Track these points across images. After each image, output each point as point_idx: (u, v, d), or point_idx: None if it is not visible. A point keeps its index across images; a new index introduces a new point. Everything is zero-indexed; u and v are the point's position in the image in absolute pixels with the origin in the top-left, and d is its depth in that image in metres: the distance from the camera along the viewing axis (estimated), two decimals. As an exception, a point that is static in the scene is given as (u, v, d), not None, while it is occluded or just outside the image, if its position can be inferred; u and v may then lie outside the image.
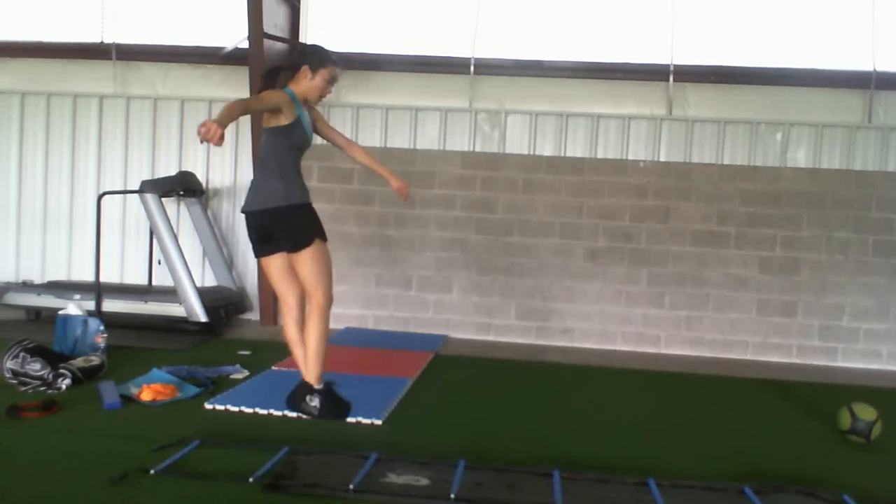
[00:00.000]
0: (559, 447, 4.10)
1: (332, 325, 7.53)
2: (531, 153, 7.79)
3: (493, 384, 5.60)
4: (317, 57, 3.84)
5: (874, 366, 7.24)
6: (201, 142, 3.25)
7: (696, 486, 3.52)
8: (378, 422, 4.30)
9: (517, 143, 7.86)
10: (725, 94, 7.68)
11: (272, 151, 3.82)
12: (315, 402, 4.11)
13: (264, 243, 4.04)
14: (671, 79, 7.64)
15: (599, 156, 7.73)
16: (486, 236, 7.61)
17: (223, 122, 3.31)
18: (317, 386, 4.17)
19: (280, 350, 6.09)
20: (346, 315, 7.71)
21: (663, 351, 7.40)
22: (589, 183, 7.52)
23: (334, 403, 4.20)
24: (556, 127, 7.83)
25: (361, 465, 3.51)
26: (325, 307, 4.07)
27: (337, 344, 6.74)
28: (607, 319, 7.48)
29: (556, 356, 6.95)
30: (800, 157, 7.61)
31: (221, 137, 3.21)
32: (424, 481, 3.40)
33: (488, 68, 7.89)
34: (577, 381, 5.91)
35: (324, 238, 4.06)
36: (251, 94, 7.14)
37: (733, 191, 7.39)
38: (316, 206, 7.65)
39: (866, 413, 4.38)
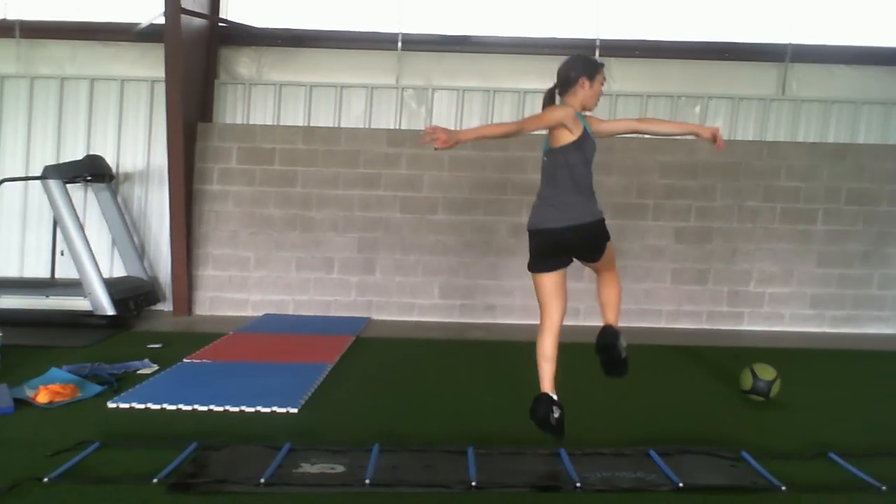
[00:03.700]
0: (476, 424, 4.13)
1: (250, 313, 7.52)
2: (458, 129, 7.72)
3: (413, 365, 5.59)
4: (591, 65, 3.66)
5: (777, 328, 7.59)
6: (428, 141, 3.31)
7: (605, 453, 3.62)
8: (294, 410, 4.23)
9: (444, 119, 7.79)
10: (649, 69, 7.81)
11: (565, 169, 3.60)
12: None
13: (553, 258, 3.83)
14: (597, 53, 7.70)
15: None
16: (411, 215, 7.56)
17: (464, 138, 3.45)
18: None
19: (193, 341, 5.95)
20: (264, 301, 7.56)
21: (582, 323, 7.51)
22: (514, 159, 7.54)
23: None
24: (484, 103, 7.81)
25: (274, 456, 3.44)
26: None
27: (254, 331, 6.62)
28: (529, 295, 7.47)
29: (480, 333, 6.99)
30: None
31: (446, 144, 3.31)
32: (340, 468, 3.36)
33: (415, 44, 7.78)
34: (498, 357, 5.95)
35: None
36: (168, 74, 6.81)
37: (653, 164, 7.55)
38: (235, 188, 7.60)
39: (766, 373, 4.59)
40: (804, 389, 5.00)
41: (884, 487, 3.22)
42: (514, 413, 4.37)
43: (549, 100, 3.68)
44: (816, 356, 6.31)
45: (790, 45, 7.67)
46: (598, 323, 7.35)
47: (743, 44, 7.75)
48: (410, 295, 7.61)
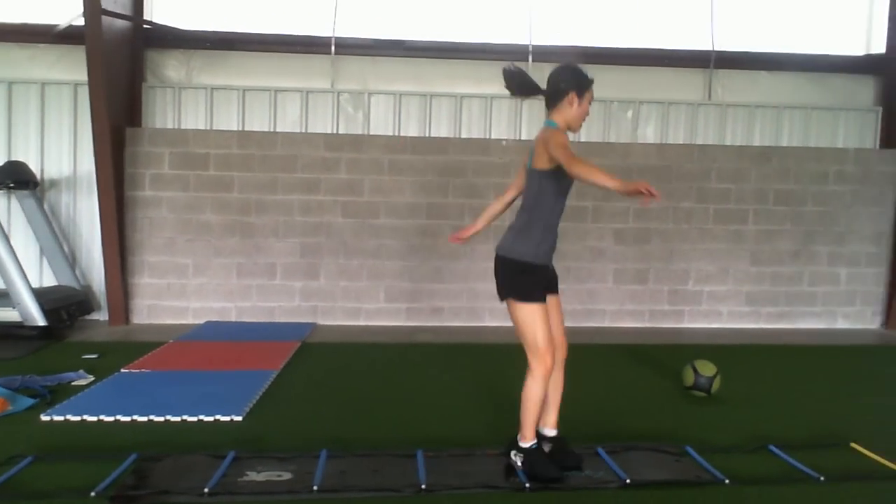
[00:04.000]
0: (426, 427, 4.11)
1: (191, 320, 7.31)
2: (396, 134, 7.73)
3: (360, 370, 5.53)
4: (582, 79, 3.25)
5: (716, 325, 7.86)
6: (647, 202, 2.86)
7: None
8: (238, 418, 4.13)
9: (381, 124, 7.78)
10: (580, 74, 7.96)
11: (536, 196, 3.24)
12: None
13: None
14: (530, 59, 7.82)
15: (464, 135, 7.80)
16: (353, 219, 7.49)
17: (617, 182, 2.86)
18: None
19: (131, 351, 5.75)
20: (205, 309, 7.36)
21: (530, 324, 7.63)
22: (454, 163, 7.57)
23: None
24: (420, 107, 7.81)
25: (218, 465, 3.35)
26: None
27: (195, 339, 6.43)
28: (475, 297, 7.61)
29: (427, 336, 6.99)
30: (648, 133, 8.05)
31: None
32: (287, 476, 3.30)
33: (350, 48, 7.72)
34: (445, 360, 5.95)
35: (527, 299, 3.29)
36: (91, 77, 6.55)
37: (589, 167, 7.69)
38: (169, 194, 7.38)
39: (707, 369, 4.74)
40: (743, 384, 5.19)
41: (822, 478, 3.36)
42: (463, 415, 4.39)
43: (525, 83, 3.29)
44: (754, 351, 6.56)
45: (713, 52, 7.97)
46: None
47: (670, 50, 8.00)
48: (356, 299, 7.54)
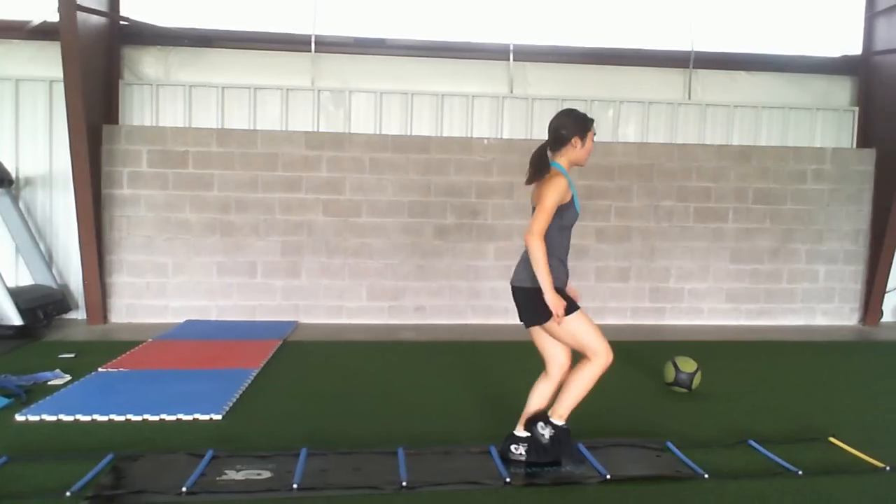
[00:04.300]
0: (407, 425, 4.09)
1: (170, 319, 7.24)
2: (377, 132, 7.70)
3: (342, 367, 5.50)
4: (582, 122, 3.38)
5: (697, 321, 7.92)
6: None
7: (536, 450, 3.64)
8: (217, 417, 4.08)
9: (363, 122, 7.74)
10: (562, 73, 7.99)
11: (546, 233, 3.31)
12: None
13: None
14: (511, 58, 7.83)
15: (445, 134, 7.79)
16: (334, 218, 7.45)
17: (553, 298, 3.22)
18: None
19: (109, 350, 5.68)
20: (185, 307, 7.29)
21: (512, 322, 7.61)
22: (436, 161, 7.56)
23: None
24: (402, 106, 7.78)
25: (197, 464, 3.30)
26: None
27: (174, 338, 6.36)
28: (457, 294, 7.60)
29: (409, 334, 6.97)
30: (629, 133, 8.09)
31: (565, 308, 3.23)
32: (266, 474, 3.26)
33: (330, 46, 7.68)
34: (427, 358, 5.94)
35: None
36: (66, 73, 6.46)
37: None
38: (147, 192, 7.29)
39: (687, 365, 4.76)
40: (724, 380, 5.23)
41: (800, 472, 3.38)
42: (445, 412, 4.37)
43: (541, 156, 3.40)
44: (734, 348, 6.61)
45: (693, 52, 8.03)
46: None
47: (651, 50, 8.06)
48: (338, 298, 7.50)
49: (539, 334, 3.52)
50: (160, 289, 7.29)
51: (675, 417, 4.32)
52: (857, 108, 8.30)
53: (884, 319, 8.35)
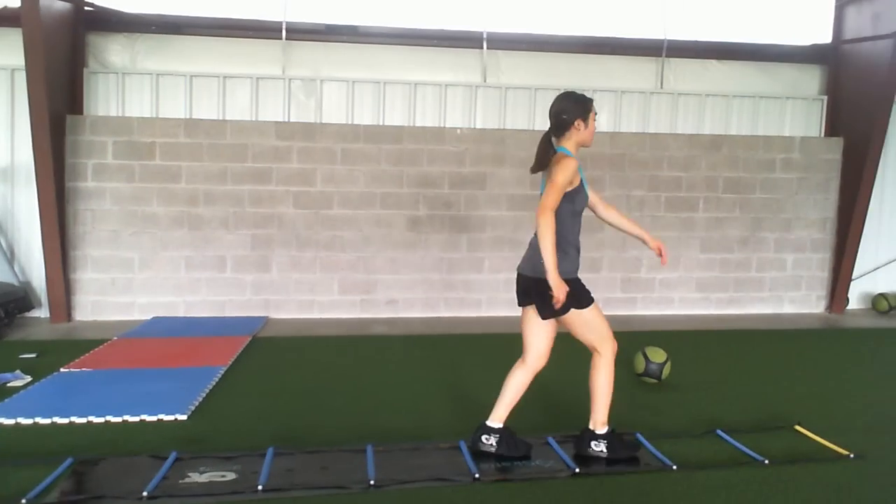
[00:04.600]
0: (377, 421, 4.06)
1: (137, 316, 7.10)
2: (349, 122, 7.59)
3: (313, 363, 5.44)
4: (582, 104, 3.37)
5: (668, 311, 7.98)
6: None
7: (505, 444, 3.63)
8: (182, 417, 4.00)
9: (334, 111, 7.63)
10: (535, 62, 7.94)
11: (558, 219, 3.27)
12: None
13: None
14: (485, 46, 7.76)
15: (418, 124, 7.71)
16: (305, 210, 7.35)
17: (556, 279, 3.16)
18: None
19: (73, 349, 5.55)
20: (153, 304, 7.15)
21: (485, 314, 7.63)
22: (408, 151, 7.48)
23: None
24: (374, 95, 7.68)
25: (159, 467, 3.23)
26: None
27: (140, 336, 6.24)
28: (430, 287, 7.56)
29: (382, 328, 6.92)
30: (602, 122, 8.05)
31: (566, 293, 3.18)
32: (231, 476, 3.21)
33: (301, 33, 7.54)
34: (399, 352, 5.90)
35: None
36: (28, 61, 6.26)
37: (543, 155, 7.68)
38: (113, 185, 7.12)
39: (657, 356, 4.79)
40: (694, 370, 5.26)
41: (766, 461, 3.41)
42: (416, 408, 4.34)
43: (546, 143, 3.39)
44: (704, 337, 6.66)
45: (665, 40, 8.03)
46: (501, 313, 7.59)
47: (623, 39, 8.04)
48: (309, 292, 7.42)
49: (530, 321, 3.47)
50: (126, 285, 7.15)
51: (645, 408, 4.34)
52: (825, 98, 8.37)
53: (850, 307, 8.48)
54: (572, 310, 3.32)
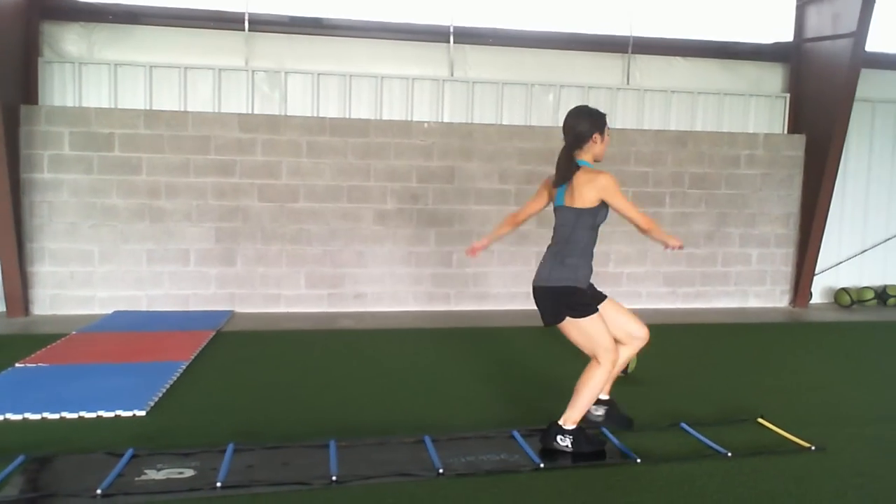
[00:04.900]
0: (341, 416, 4.00)
1: (97, 310, 6.93)
2: (315, 115, 7.49)
3: (276, 358, 5.35)
4: (599, 118, 3.49)
5: (636, 305, 8.00)
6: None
7: (470, 437, 3.62)
8: (141, 413, 3.90)
9: (299, 104, 7.52)
10: (503, 57, 7.92)
11: (573, 231, 3.45)
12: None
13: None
14: (452, 40, 7.72)
15: (385, 117, 7.64)
16: (270, 203, 7.24)
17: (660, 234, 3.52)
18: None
19: (29, 344, 5.39)
20: (114, 298, 6.99)
21: (454, 308, 7.61)
22: (375, 145, 7.41)
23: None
24: (340, 88, 7.59)
25: (115, 464, 3.14)
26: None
27: (100, 330, 6.09)
28: (398, 281, 7.51)
29: (349, 322, 6.85)
30: (569, 117, 8.08)
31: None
32: (189, 473, 3.12)
33: (265, 24, 7.42)
34: (366, 346, 5.84)
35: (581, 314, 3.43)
36: None
37: (512, 150, 7.69)
38: (71, 177, 6.94)
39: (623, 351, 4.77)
40: (660, 364, 5.28)
41: (729, 454, 3.43)
42: (381, 402, 4.29)
43: (568, 158, 3.46)
44: (671, 331, 6.71)
45: (631, 37, 8.08)
46: (470, 307, 7.58)
47: (590, 35, 8.07)
48: (275, 286, 7.31)
49: (574, 329, 3.47)
50: (86, 278, 6.97)
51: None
52: (788, 95, 8.50)
53: (813, 301, 8.65)
54: (568, 318, 3.39)
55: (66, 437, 3.56)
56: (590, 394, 3.44)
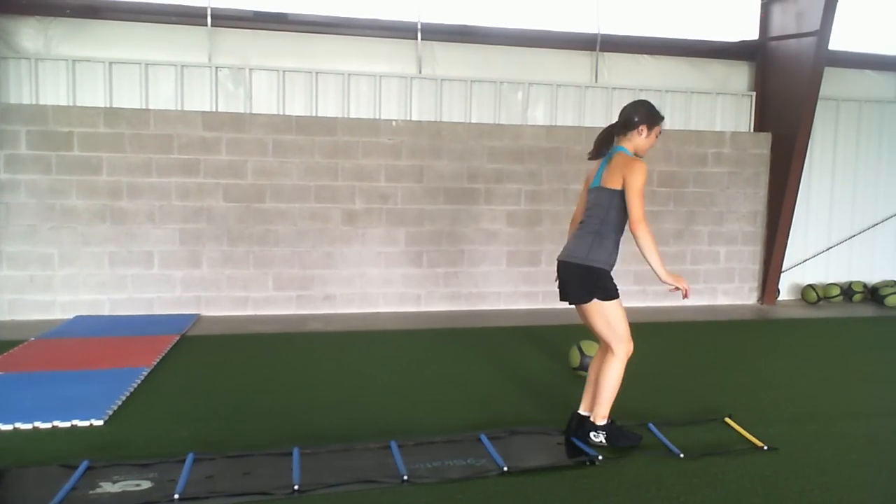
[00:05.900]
0: (307, 422, 3.92)
1: (59, 315, 6.75)
2: (280, 113, 7.37)
3: (243, 363, 5.24)
4: (654, 115, 3.56)
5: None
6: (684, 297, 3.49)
7: (436, 441, 3.56)
8: (98, 422, 3.78)
9: (264, 102, 7.40)
10: (471, 54, 7.88)
11: (608, 211, 3.49)
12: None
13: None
14: (419, 37, 7.65)
15: (352, 115, 7.55)
16: (236, 204, 7.11)
17: (665, 270, 3.45)
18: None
19: (-16, 349, 5.21)
20: (75, 302, 6.81)
21: (424, 309, 7.55)
22: (343, 143, 7.32)
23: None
24: (306, 85, 7.48)
25: (69, 477, 3.03)
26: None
27: (60, 336, 5.92)
28: (368, 282, 7.43)
29: (318, 325, 6.75)
30: (538, 115, 8.08)
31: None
32: (146, 485, 3.03)
33: (228, 19, 7.28)
34: (335, 349, 5.76)
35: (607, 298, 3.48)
36: None
37: (481, 148, 7.65)
38: (28, 177, 6.75)
39: (592, 349, 4.78)
40: (630, 362, 5.16)
41: (682, 455, 3.44)
42: (349, 407, 4.22)
43: (607, 135, 3.58)
44: (641, 329, 6.60)
45: (599, 35, 8.09)
46: (440, 308, 7.53)
47: (559, 32, 8.05)
48: (243, 288, 7.18)
49: (591, 314, 3.52)
50: (46, 282, 6.78)
51: (580, 403, 4.31)
52: (754, 93, 8.59)
53: (780, 298, 8.76)
54: (594, 300, 3.43)
55: (18, 448, 3.43)
56: (612, 387, 3.51)
